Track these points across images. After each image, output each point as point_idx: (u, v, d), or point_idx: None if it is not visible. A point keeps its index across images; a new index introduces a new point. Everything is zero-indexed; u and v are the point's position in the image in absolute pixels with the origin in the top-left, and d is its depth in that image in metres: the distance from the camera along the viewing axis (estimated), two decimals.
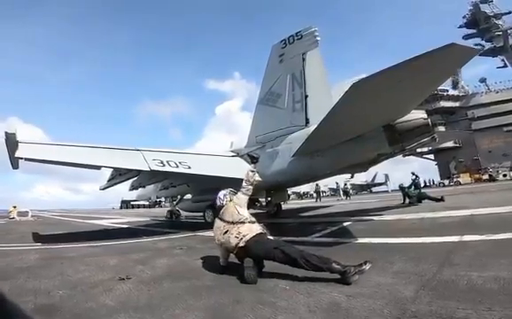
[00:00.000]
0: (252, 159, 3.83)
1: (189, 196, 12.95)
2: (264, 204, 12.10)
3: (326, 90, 8.52)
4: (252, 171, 3.71)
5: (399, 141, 7.23)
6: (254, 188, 3.73)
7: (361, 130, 7.11)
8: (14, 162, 6.64)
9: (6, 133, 6.16)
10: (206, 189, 10.39)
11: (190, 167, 8.28)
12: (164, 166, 7.85)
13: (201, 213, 11.02)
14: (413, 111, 7.17)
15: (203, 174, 8.52)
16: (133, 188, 13.39)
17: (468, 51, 4.62)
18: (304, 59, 8.90)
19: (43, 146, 7.36)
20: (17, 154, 6.16)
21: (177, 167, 8.05)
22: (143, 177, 11.11)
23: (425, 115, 7.27)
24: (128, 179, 11.31)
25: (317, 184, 31.31)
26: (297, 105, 8.87)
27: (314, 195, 34.20)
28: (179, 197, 13.92)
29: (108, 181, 11.23)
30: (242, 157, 9.85)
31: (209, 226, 6.91)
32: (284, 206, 14.39)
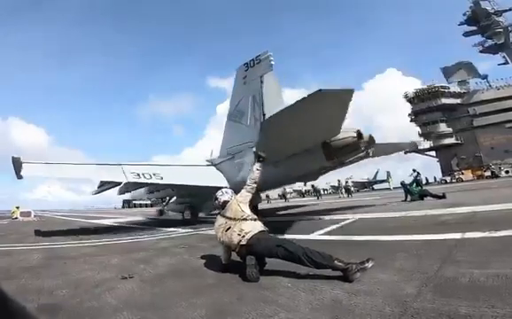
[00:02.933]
0: (258, 158, 3.82)
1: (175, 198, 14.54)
2: None
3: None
4: (258, 169, 3.72)
5: (335, 156, 8.25)
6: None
7: (297, 149, 8.22)
8: (19, 176, 7.91)
9: (13, 157, 7.72)
10: (186, 193, 12.41)
11: (162, 178, 9.78)
12: (140, 177, 9.37)
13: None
14: (346, 129, 8.02)
15: (173, 183, 10.37)
16: (121, 192, 15.14)
17: (339, 93, 5.93)
18: (262, 82, 9.91)
19: (42, 165, 8.67)
20: (22, 173, 7.63)
21: (151, 178, 9.55)
22: (125, 186, 12.56)
23: (354, 134, 8.11)
24: (114, 187, 12.89)
25: (313, 185, 33.50)
26: (257, 122, 9.74)
27: (314, 193, 34.79)
28: (168, 198, 15.25)
29: (98, 187, 13.25)
30: (215, 166, 11.40)
31: (187, 223, 10.33)
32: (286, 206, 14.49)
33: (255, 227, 3.26)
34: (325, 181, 54.18)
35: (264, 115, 9.64)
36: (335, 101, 6.62)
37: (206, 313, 2.23)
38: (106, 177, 10.04)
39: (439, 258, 3.13)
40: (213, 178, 10.54)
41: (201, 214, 12.73)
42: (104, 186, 12.68)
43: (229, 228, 3.31)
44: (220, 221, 3.52)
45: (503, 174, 38.27)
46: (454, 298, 2.07)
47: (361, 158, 9.81)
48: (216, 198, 3.73)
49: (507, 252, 3.11)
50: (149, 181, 9.63)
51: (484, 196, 11.16)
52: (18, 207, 24.90)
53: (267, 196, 34.57)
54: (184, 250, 5.18)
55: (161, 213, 16.34)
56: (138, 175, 9.43)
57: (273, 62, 9.82)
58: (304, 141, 7.84)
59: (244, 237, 3.16)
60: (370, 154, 9.57)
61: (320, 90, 5.62)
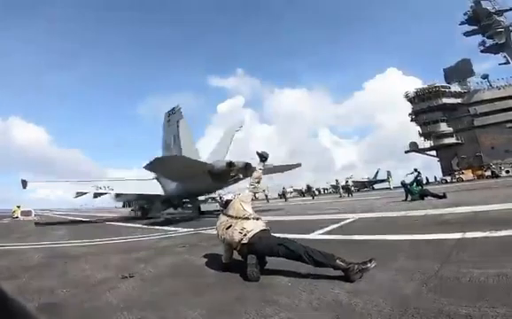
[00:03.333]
0: (261, 158, 3.82)
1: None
2: (189, 206, 17.70)
3: (190, 145, 14.35)
4: (261, 169, 3.72)
5: (218, 180, 12.37)
6: (171, 197, 3.97)
7: (184, 176, 12.66)
8: (24, 187, 12.47)
9: (22, 179, 12.48)
10: (140, 199, 18.05)
11: (112, 189, 15.29)
12: (100, 189, 14.56)
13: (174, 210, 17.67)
14: (222, 161, 12.33)
15: (121, 192, 16.84)
16: (95, 197, 18.78)
17: (170, 157, 12.83)
18: (178, 126, 14.36)
19: (40, 183, 15.44)
20: (27, 187, 12.44)
21: (105, 189, 14.75)
22: (93, 194, 16.87)
23: (224, 164, 12.09)
24: (85, 194, 17.48)
25: (308, 185, 38.59)
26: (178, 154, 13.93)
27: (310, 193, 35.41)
28: (134, 201, 20.54)
29: (76, 194, 18.25)
30: (157, 180, 15.69)
31: (137, 219, 15.66)
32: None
33: (257, 225, 3.26)
34: (325, 180, 54.75)
35: (181, 150, 14.02)
36: (174, 159, 11.77)
37: (207, 313, 2.22)
38: (79, 189, 16.43)
39: (440, 258, 3.13)
40: (153, 188, 15.16)
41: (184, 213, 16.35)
42: (79, 194, 17.80)
43: (230, 226, 3.31)
44: (221, 219, 3.52)
45: (503, 173, 38.13)
46: (455, 298, 2.07)
47: (237, 180, 13.08)
48: (220, 198, 3.75)
49: (507, 252, 3.11)
50: (104, 191, 14.89)
51: (485, 195, 11.15)
52: (19, 206, 24.95)
53: (266, 196, 34.57)
54: (185, 249, 5.18)
55: (135, 212, 20.71)
56: (99, 188, 14.36)
57: (183, 113, 14.75)
58: (185, 173, 12.07)
59: (245, 235, 3.15)
60: (241, 177, 12.77)
61: (156, 158, 10.65)
